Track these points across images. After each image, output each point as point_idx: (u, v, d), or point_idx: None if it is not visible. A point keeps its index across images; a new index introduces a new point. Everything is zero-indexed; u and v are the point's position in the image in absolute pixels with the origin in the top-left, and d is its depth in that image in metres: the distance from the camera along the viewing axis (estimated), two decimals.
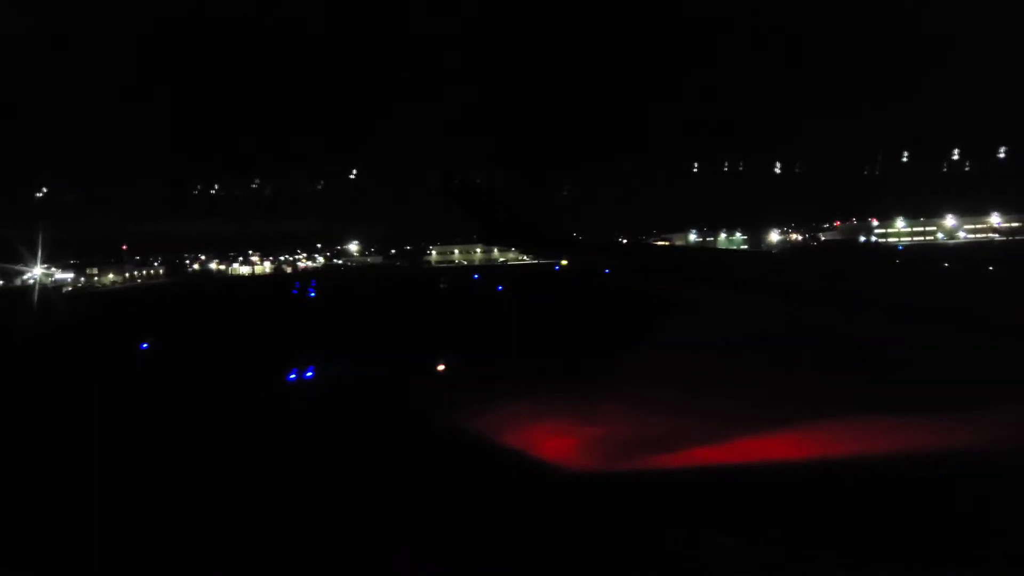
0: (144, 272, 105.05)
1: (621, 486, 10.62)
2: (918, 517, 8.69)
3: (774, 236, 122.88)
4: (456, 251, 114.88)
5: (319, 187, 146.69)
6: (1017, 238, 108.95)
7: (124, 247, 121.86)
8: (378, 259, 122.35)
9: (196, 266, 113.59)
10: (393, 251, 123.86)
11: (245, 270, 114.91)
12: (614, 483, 10.78)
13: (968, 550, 8.01)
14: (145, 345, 27.93)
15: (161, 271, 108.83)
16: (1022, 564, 7.69)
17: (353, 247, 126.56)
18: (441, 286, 58.48)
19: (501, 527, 9.48)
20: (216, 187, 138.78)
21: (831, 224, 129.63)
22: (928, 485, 9.18)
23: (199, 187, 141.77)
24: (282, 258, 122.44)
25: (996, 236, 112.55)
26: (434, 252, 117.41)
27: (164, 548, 9.65)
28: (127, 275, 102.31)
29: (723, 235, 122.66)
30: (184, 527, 10.17)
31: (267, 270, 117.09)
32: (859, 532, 8.58)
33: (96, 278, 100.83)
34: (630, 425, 12.57)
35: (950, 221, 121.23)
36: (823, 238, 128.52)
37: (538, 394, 14.97)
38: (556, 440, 12.64)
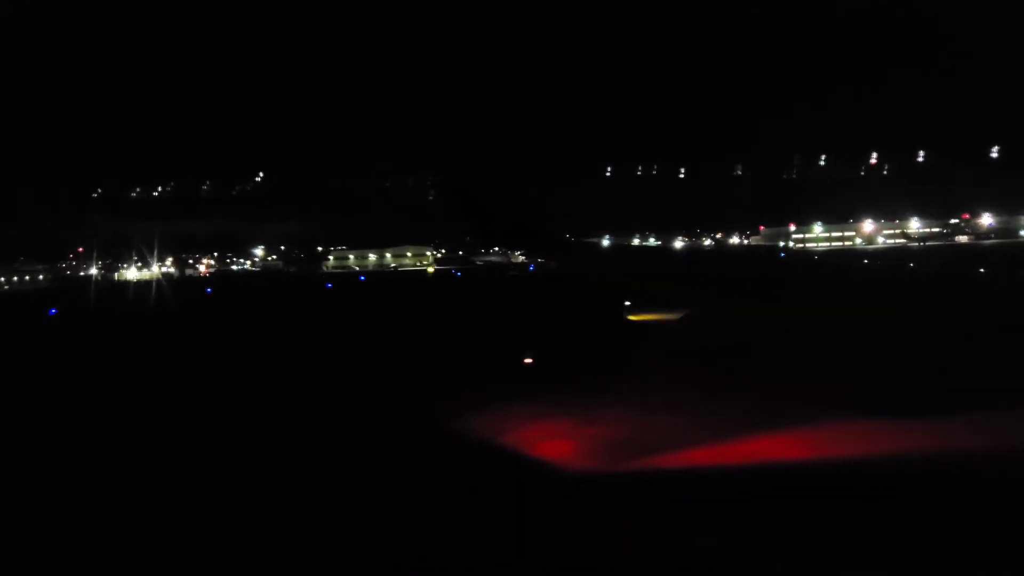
0: (15, 278, 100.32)
1: (620, 488, 10.57)
2: (919, 520, 8.66)
3: (679, 241, 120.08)
4: (351, 256, 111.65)
5: (240, 189, 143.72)
6: (930, 243, 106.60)
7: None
8: (279, 263, 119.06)
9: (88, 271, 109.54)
10: (300, 255, 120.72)
11: (132, 275, 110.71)
12: (613, 485, 10.72)
13: (964, 554, 7.99)
14: None
15: (40, 276, 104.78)
16: (1018, 568, 7.79)
17: (259, 251, 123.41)
18: None
19: (498, 528, 9.43)
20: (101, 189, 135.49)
21: (755, 229, 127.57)
22: (927, 488, 9.18)
23: (98, 188, 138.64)
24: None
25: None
26: (331, 257, 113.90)
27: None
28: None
29: (636, 240, 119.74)
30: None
31: (159, 274, 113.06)
32: (859, 535, 8.57)
33: None
34: (629, 426, 12.63)
35: (868, 226, 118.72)
36: (748, 242, 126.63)
37: (536, 395, 14.97)
38: (554, 441, 12.66)
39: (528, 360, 19.71)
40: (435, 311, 41.09)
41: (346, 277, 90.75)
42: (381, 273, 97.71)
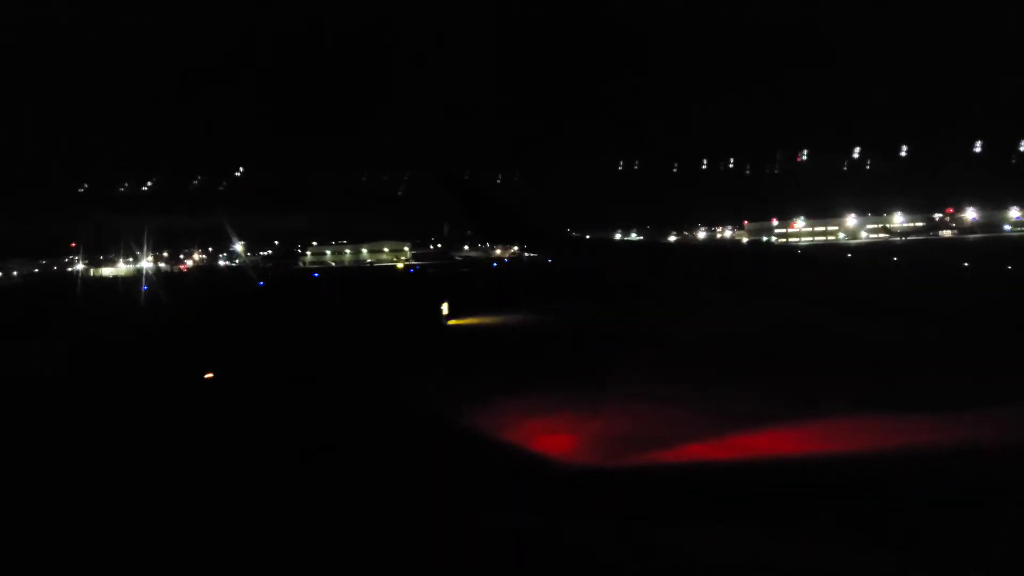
0: None
1: (620, 482, 10.58)
2: (918, 515, 8.59)
3: (672, 236, 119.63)
4: (328, 252, 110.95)
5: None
6: (913, 238, 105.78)
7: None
8: (259, 259, 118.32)
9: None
10: (296, 250, 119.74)
11: (108, 271, 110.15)
12: (613, 479, 10.70)
13: (963, 548, 7.94)
14: None
15: (15, 272, 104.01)
16: (1017, 563, 7.78)
17: (239, 246, 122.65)
18: None
19: (498, 523, 9.36)
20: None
21: (739, 224, 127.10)
22: (923, 483, 9.15)
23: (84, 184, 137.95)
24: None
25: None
26: (309, 253, 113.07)
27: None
28: None
29: (618, 235, 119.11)
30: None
31: (136, 270, 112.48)
32: (857, 529, 8.54)
33: None
34: (630, 421, 12.69)
35: (851, 221, 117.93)
36: (733, 236, 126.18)
37: (537, 389, 15.07)
38: (555, 436, 12.66)
39: (208, 375, 19.19)
40: (360, 303, 41.30)
41: (293, 275, 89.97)
42: (338, 269, 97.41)
